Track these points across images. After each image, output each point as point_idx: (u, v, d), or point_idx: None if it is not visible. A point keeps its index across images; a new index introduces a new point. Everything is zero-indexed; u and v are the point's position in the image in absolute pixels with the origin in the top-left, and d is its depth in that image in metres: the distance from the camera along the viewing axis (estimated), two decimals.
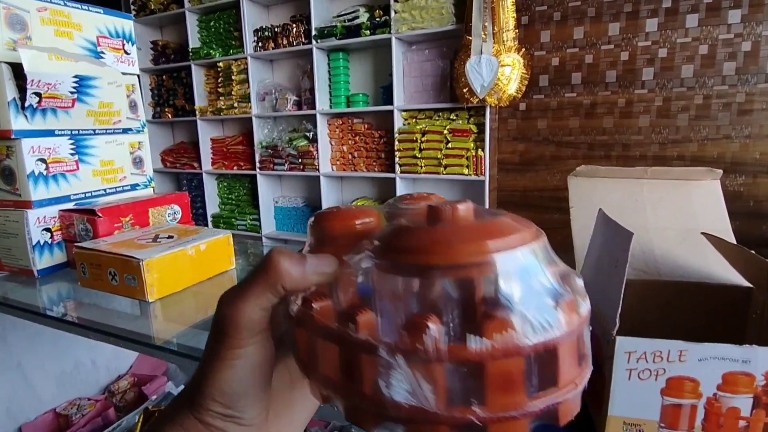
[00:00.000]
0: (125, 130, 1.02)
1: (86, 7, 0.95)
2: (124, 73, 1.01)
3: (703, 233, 0.46)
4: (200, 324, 0.71)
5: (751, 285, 0.45)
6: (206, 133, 3.27)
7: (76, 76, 0.88)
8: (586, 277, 0.47)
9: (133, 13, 3.33)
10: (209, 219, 3.34)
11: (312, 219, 0.26)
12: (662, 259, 0.49)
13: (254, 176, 3.10)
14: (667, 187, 0.53)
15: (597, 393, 0.38)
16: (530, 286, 0.19)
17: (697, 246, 0.49)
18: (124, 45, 1.03)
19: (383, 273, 0.21)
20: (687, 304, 0.47)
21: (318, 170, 2.82)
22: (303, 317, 0.23)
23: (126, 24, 1.04)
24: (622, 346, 0.35)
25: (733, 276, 0.46)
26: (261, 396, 0.25)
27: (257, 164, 3.05)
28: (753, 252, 0.41)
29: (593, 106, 2.10)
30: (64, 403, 1.19)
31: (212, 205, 3.38)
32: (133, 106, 1.04)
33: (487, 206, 2.31)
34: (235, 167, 3.20)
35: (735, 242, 0.49)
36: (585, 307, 0.21)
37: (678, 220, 0.51)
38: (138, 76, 1.07)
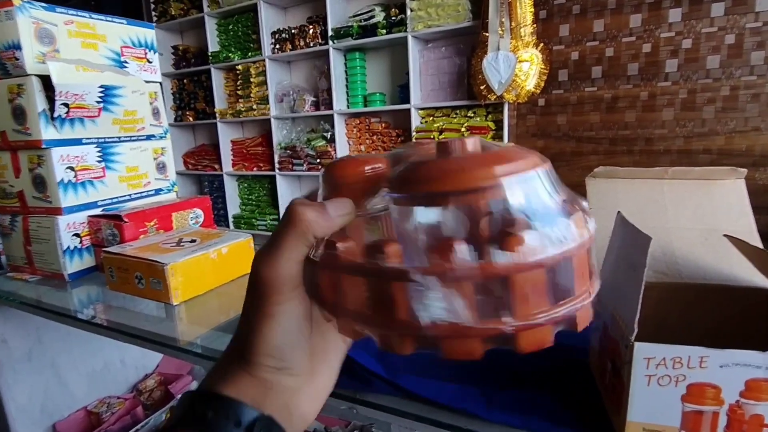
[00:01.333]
0: (149, 137, 1.05)
1: (110, 19, 0.98)
2: (146, 81, 1.03)
3: (725, 235, 0.45)
4: (223, 326, 0.72)
5: None
6: (226, 135, 3.32)
7: (101, 86, 0.91)
8: (604, 280, 0.47)
9: (155, 19, 3.40)
10: (230, 219, 3.40)
11: (324, 168, 0.27)
12: (683, 260, 0.48)
13: (274, 177, 3.14)
14: (689, 187, 0.52)
15: (615, 395, 0.38)
16: (544, 205, 0.21)
17: (720, 247, 0.48)
18: (146, 54, 1.06)
19: (403, 205, 0.22)
20: (709, 307, 0.46)
21: None
22: (328, 259, 0.24)
23: (148, 33, 1.07)
24: (640, 352, 0.35)
25: (757, 278, 0.45)
26: (305, 346, 0.26)
27: (276, 165, 3.08)
28: None
29: (615, 100, 2.06)
30: (95, 401, 1.23)
31: (233, 205, 3.44)
32: (155, 113, 1.06)
33: None
34: (254, 168, 3.24)
35: (760, 243, 0.48)
36: (592, 223, 0.23)
37: (700, 220, 0.51)
38: (161, 83, 1.10)
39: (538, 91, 2.13)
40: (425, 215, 0.21)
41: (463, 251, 0.19)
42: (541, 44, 2.09)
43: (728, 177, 0.51)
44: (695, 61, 1.90)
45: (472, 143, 0.23)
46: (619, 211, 0.45)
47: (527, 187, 0.21)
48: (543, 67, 2.08)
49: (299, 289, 0.25)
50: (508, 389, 0.45)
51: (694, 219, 0.51)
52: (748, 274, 0.46)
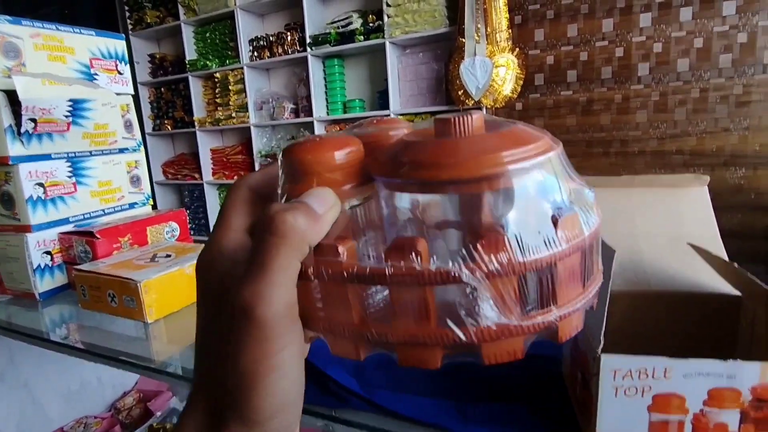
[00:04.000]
0: (121, 150, 1.03)
1: (78, 30, 0.96)
2: (118, 93, 1.02)
3: (689, 244, 0.46)
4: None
5: (740, 294, 0.45)
6: (206, 144, 3.29)
7: (70, 100, 0.89)
8: None
9: (130, 27, 3.35)
10: (212, 229, 3.35)
11: (286, 152, 0.22)
12: (651, 268, 0.49)
13: None
14: (656, 195, 0.53)
15: (586, 408, 0.39)
16: (554, 194, 0.20)
17: (686, 254, 0.49)
18: (117, 65, 1.04)
19: (425, 193, 0.20)
20: (678, 314, 0.47)
21: None
22: (327, 269, 0.20)
23: (118, 44, 1.05)
24: (607, 364, 0.35)
25: (722, 284, 0.46)
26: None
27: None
28: (736, 265, 0.41)
29: (590, 103, 2.09)
30: (71, 422, 1.20)
31: (214, 215, 3.39)
32: (128, 126, 1.04)
33: None
34: (235, 176, 3.21)
35: (722, 248, 0.49)
36: (593, 219, 0.20)
37: (667, 227, 0.52)
38: (132, 96, 1.08)
39: (515, 96, 2.16)
40: (439, 205, 0.20)
41: (508, 245, 0.18)
42: (517, 49, 2.11)
43: (692, 184, 0.52)
44: (666, 64, 1.94)
45: (477, 120, 0.20)
46: None
47: (538, 174, 0.19)
48: (519, 71, 2.11)
49: (299, 320, 0.21)
50: (484, 402, 0.45)
51: (662, 226, 0.52)
52: (713, 280, 0.47)
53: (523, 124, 0.22)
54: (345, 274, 0.20)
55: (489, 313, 0.18)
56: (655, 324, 0.48)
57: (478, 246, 0.18)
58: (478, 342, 0.19)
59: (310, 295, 0.21)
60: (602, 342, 0.35)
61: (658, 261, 0.49)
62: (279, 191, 0.22)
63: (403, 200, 0.22)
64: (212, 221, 3.35)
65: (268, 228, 0.20)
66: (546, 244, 0.18)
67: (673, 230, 0.51)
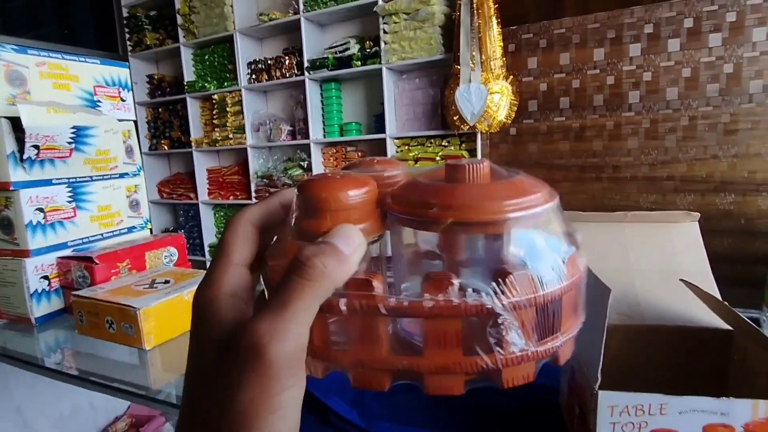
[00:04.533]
0: (122, 175, 1.04)
1: (83, 59, 0.98)
2: (120, 120, 1.03)
3: (682, 280, 0.47)
4: None
5: (731, 328, 0.46)
6: (202, 164, 3.30)
7: (73, 127, 0.90)
8: None
9: (130, 48, 3.39)
10: (206, 249, 3.35)
11: (304, 186, 0.22)
12: (645, 302, 0.50)
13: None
14: (648, 230, 0.55)
15: None
16: (552, 240, 0.22)
17: (679, 288, 0.50)
18: (120, 92, 1.06)
19: (456, 234, 0.21)
20: (671, 347, 0.48)
21: None
22: (361, 305, 0.21)
23: (122, 72, 1.07)
24: (604, 400, 0.36)
25: (714, 319, 0.48)
26: None
27: (253, 194, 3.07)
28: (725, 303, 0.42)
29: (582, 129, 2.14)
30: None
31: (209, 235, 3.39)
32: (129, 151, 1.06)
33: None
34: (231, 197, 3.22)
35: (714, 283, 0.51)
36: (582, 260, 0.23)
37: (659, 262, 0.53)
38: (135, 121, 1.09)
39: (510, 121, 2.20)
40: (459, 243, 0.22)
41: (531, 281, 0.20)
42: (511, 77, 2.16)
43: (683, 220, 0.54)
44: (656, 92, 1.99)
45: (486, 167, 0.22)
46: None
47: (539, 221, 0.21)
48: (513, 98, 2.15)
49: (304, 363, 0.20)
50: (480, 430, 0.46)
51: (654, 261, 0.53)
52: (705, 314, 0.48)
53: (524, 175, 0.24)
54: (380, 308, 0.20)
55: (516, 341, 0.20)
56: (649, 357, 0.49)
57: (507, 281, 0.20)
58: (502, 367, 0.20)
59: (329, 331, 0.22)
60: (599, 379, 0.36)
61: (651, 295, 0.51)
62: (292, 223, 0.23)
63: (426, 238, 0.23)
64: (207, 240, 3.34)
65: (297, 270, 0.20)
66: (557, 280, 0.21)
67: (666, 265, 0.53)
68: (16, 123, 0.84)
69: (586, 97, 2.12)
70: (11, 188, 0.84)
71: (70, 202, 0.93)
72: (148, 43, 3.31)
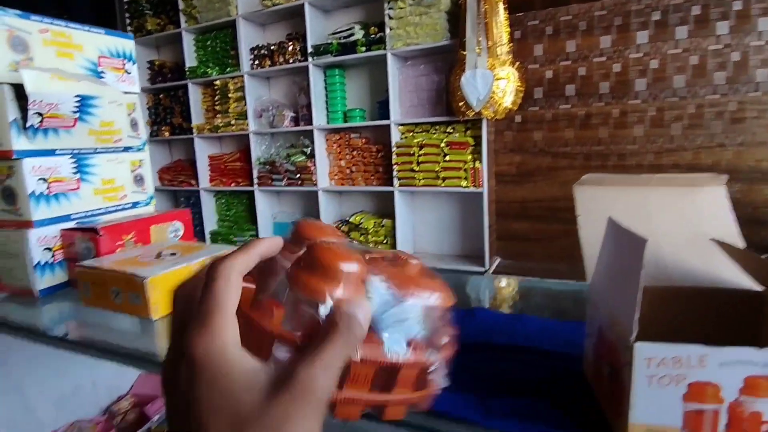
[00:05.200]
0: (126, 149, 1.02)
1: (87, 28, 0.96)
2: (124, 92, 1.01)
3: (712, 239, 0.46)
4: None
5: (762, 288, 0.45)
6: (204, 151, 3.28)
7: (77, 96, 0.88)
8: (597, 285, 0.47)
9: (131, 33, 3.35)
10: (207, 236, 3.33)
11: (318, 252, 0.27)
12: (672, 265, 0.49)
13: (252, 193, 3.10)
14: (673, 194, 0.53)
15: (615, 399, 0.38)
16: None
17: (706, 251, 0.49)
18: (124, 64, 1.04)
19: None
20: (699, 310, 0.47)
21: (316, 185, 2.82)
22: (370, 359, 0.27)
23: (127, 44, 1.05)
24: (641, 353, 0.35)
25: (744, 280, 0.46)
26: None
27: (255, 180, 3.05)
28: (763, 257, 0.41)
29: (588, 117, 2.12)
30: (64, 426, 1.17)
31: (210, 222, 3.37)
32: (133, 125, 1.04)
33: (486, 218, 2.31)
34: (232, 184, 3.20)
35: (742, 246, 0.49)
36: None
37: (685, 226, 0.52)
38: (139, 94, 1.07)
39: (515, 108, 2.18)
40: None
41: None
42: (517, 63, 2.14)
43: (710, 184, 0.53)
44: (662, 80, 1.98)
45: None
46: (610, 217, 0.46)
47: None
48: (519, 84, 2.13)
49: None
50: (506, 397, 0.44)
51: (680, 224, 0.52)
52: (734, 277, 0.47)
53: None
54: (381, 362, 0.27)
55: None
56: (677, 319, 0.47)
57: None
58: (337, 404, 0.27)
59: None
60: (636, 329, 0.35)
61: (678, 257, 0.49)
62: (288, 269, 0.27)
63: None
64: (208, 228, 3.33)
65: (339, 332, 0.24)
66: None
67: (692, 229, 0.51)
68: (18, 91, 0.82)
69: (592, 84, 2.10)
70: (14, 157, 0.82)
71: (74, 173, 0.91)
72: (149, 28, 3.27)
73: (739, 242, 0.50)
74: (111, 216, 0.99)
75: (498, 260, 2.42)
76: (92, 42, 0.97)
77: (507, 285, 0.83)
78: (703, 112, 1.93)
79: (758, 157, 1.85)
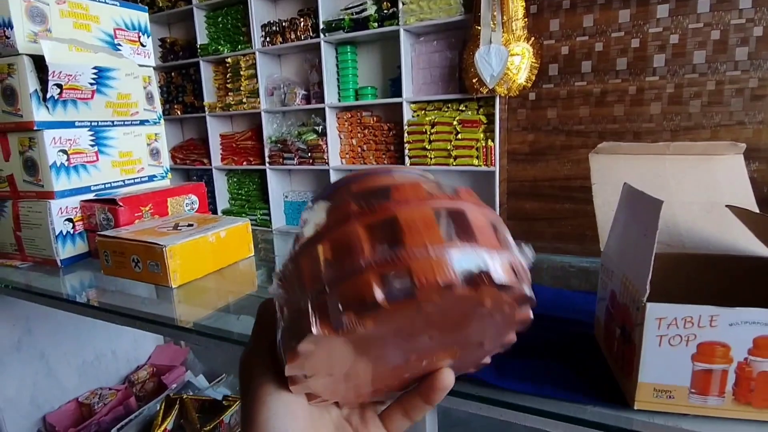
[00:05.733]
0: (142, 122, 1.03)
1: (103, 0, 0.96)
2: (140, 65, 1.02)
3: (727, 205, 0.46)
4: (222, 308, 0.72)
5: None
6: (215, 129, 3.29)
7: (95, 68, 0.89)
8: (610, 251, 0.48)
9: None
10: (219, 214, 3.37)
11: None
12: (687, 232, 0.49)
13: (264, 171, 3.12)
14: (690, 162, 0.53)
15: (625, 359, 0.39)
16: None
17: (722, 219, 0.49)
18: (140, 37, 1.04)
19: None
20: (712, 276, 0.47)
21: (327, 164, 2.82)
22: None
23: (141, 16, 1.05)
24: (652, 313, 0.35)
25: (758, 247, 0.46)
26: None
27: (267, 159, 3.06)
28: None
29: (603, 94, 2.08)
30: (86, 393, 1.21)
31: (222, 200, 3.41)
32: (149, 98, 1.05)
33: (497, 197, 2.30)
34: (244, 162, 3.21)
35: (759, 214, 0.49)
36: None
37: (701, 194, 0.52)
38: (154, 68, 1.08)
39: (529, 85, 2.15)
40: None
41: None
42: (532, 38, 2.10)
43: (728, 152, 0.52)
44: (682, 56, 1.93)
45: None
46: (625, 183, 0.46)
47: None
48: (534, 61, 2.10)
49: None
50: (518, 359, 0.45)
51: (696, 192, 0.52)
52: (749, 244, 0.47)
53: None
54: None
55: None
56: (689, 286, 0.48)
57: None
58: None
59: None
60: (647, 290, 0.35)
61: (692, 225, 0.50)
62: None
63: None
64: (220, 206, 3.36)
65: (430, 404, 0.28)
66: None
67: (708, 197, 0.51)
68: (37, 62, 0.83)
69: (609, 60, 2.06)
70: (35, 128, 0.84)
71: (92, 145, 0.93)
72: (160, 5, 3.26)
73: (756, 210, 0.49)
74: (129, 188, 1.01)
75: None
76: (108, 14, 0.97)
77: None
78: (723, 89, 1.89)
79: None
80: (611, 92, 2.07)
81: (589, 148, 2.02)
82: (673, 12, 1.92)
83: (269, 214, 3.14)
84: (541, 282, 0.73)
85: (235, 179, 3.38)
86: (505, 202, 2.39)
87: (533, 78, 2.13)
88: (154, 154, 1.07)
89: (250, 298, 0.77)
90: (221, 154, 3.32)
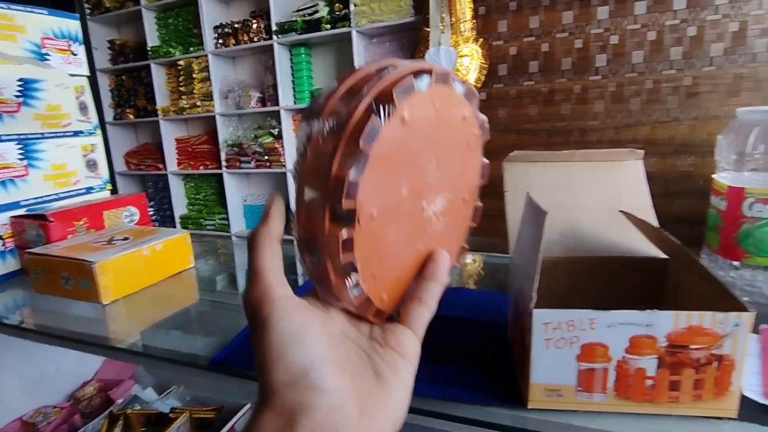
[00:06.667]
0: (76, 133, 1.00)
1: (30, 9, 0.93)
2: (72, 75, 0.99)
3: (621, 211, 0.49)
4: (159, 323, 0.71)
5: (667, 257, 0.49)
6: (170, 134, 3.21)
7: (20, 80, 0.86)
8: (514, 258, 0.50)
9: (88, 11, 3.23)
10: (177, 220, 3.29)
11: None
12: (589, 236, 0.52)
13: (221, 175, 3.07)
14: (594, 169, 0.56)
15: (522, 363, 0.41)
16: None
17: (622, 223, 0.52)
18: (70, 45, 1.01)
19: None
20: (612, 278, 0.51)
21: (285, 167, 2.80)
22: None
23: (72, 24, 1.02)
24: (539, 318, 0.37)
25: (652, 249, 0.50)
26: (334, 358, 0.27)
27: (223, 163, 3.01)
28: (662, 230, 0.44)
29: (551, 93, 2.15)
30: (30, 411, 1.17)
31: (179, 206, 3.33)
32: (83, 108, 1.02)
33: None
34: (201, 167, 3.15)
35: (654, 217, 0.53)
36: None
37: (604, 199, 0.55)
38: (88, 77, 1.05)
39: (479, 85, 2.19)
40: None
41: None
42: (481, 39, 2.15)
43: (628, 158, 0.56)
44: (622, 56, 2.01)
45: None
46: (527, 192, 0.48)
47: None
48: (483, 61, 2.15)
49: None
50: (432, 364, 0.47)
51: (600, 198, 0.55)
52: (644, 246, 0.50)
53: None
54: None
55: None
56: (591, 287, 0.51)
57: None
58: None
59: None
60: (534, 298, 0.38)
61: (595, 230, 0.53)
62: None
63: None
64: (177, 212, 3.29)
65: (429, 306, 0.31)
66: None
67: (610, 201, 0.54)
68: None
69: (555, 60, 2.12)
70: None
71: (21, 159, 0.90)
72: (107, 5, 3.15)
73: (651, 213, 0.53)
74: (64, 202, 0.98)
75: None
76: (35, 23, 0.94)
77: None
78: (660, 87, 1.98)
79: (710, 131, 1.91)
80: (558, 91, 2.14)
81: (540, 146, 2.09)
82: (612, 13, 2.00)
83: (228, 219, 3.10)
84: (474, 283, 0.76)
85: (192, 184, 3.31)
86: None
87: (483, 78, 2.18)
88: (91, 165, 1.04)
89: (189, 310, 0.77)
90: (177, 158, 3.25)
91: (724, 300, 0.37)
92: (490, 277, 0.77)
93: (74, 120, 0.99)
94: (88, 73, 1.05)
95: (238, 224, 3.12)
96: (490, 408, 0.41)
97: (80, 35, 1.03)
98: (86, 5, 3.23)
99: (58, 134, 0.97)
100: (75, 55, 1.02)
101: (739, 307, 0.36)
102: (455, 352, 0.50)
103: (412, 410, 0.42)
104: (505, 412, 0.40)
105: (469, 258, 0.84)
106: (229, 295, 0.84)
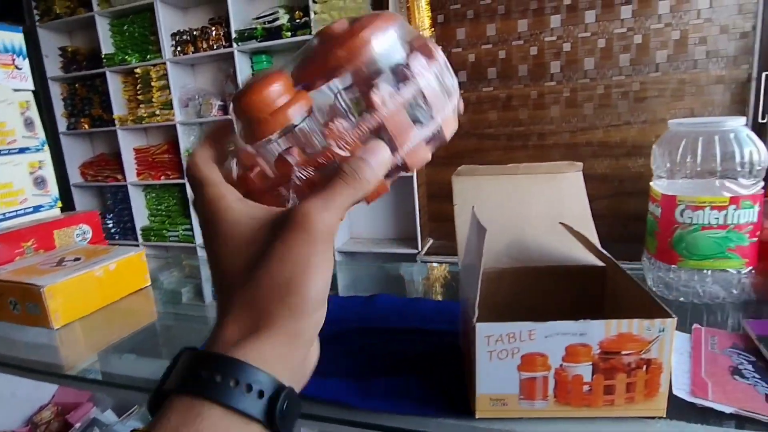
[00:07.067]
0: (22, 150, 0.97)
1: None
2: (15, 90, 0.96)
3: (561, 223, 0.52)
4: (115, 345, 0.69)
5: (604, 265, 0.51)
6: (128, 143, 3.12)
7: None
8: (463, 271, 0.52)
9: (37, 17, 3.10)
10: (139, 232, 3.20)
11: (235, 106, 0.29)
12: (533, 246, 0.54)
13: (183, 185, 3.00)
14: (539, 181, 0.59)
15: (470, 373, 0.43)
16: None
17: (564, 233, 0.55)
18: (14, 60, 0.98)
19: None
20: (556, 286, 0.53)
21: None
22: None
23: (15, 37, 0.99)
24: (481, 331, 0.39)
25: (592, 258, 0.52)
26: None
27: (185, 173, 2.94)
28: (594, 243, 0.47)
29: (509, 99, 2.21)
30: None
31: (141, 217, 3.24)
32: (29, 124, 0.99)
33: (416, 200, 2.37)
34: (162, 177, 3.08)
35: (593, 226, 0.56)
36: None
37: (548, 210, 0.57)
38: (34, 92, 1.02)
39: None
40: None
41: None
42: (440, 47, 2.19)
43: (569, 170, 0.58)
44: (575, 62, 2.09)
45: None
46: (473, 207, 0.50)
47: None
48: None
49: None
50: (384, 377, 0.48)
51: (544, 209, 0.58)
52: (585, 255, 0.53)
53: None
54: None
55: None
56: (537, 296, 0.53)
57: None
58: None
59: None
60: (476, 313, 0.39)
61: (539, 240, 0.55)
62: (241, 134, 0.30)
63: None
64: (138, 224, 3.20)
65: (343, 176, 0.27)
66: None
67: (553, 212, 0.57)
68: None
69: (511, 67, 2.19)
70: None
71: None
72: (58, 11, 3.04)
73: (590, 222, 0.56)
74: (10, 222, 0.94)
75: (430, 241, 2.50)
76: None
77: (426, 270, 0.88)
78: (611, 93, 2.07)
79: (658, 133, 2.00)
80: (516, 97, 2.20)
81: (500, 150, 2.14)
82: (564, 22, 2.08)
83: (192, 230, 3.03)
84: (434, 292, 0.78)
85: (153, 195, 3.23)
86: (425, 205, 2.47)
87: None
88: (39, 183, 1.01)
89: (149, 328, 0.76)
90: (136, 168, 3.16)
91: (651, 307, 0.39)
92: (455, 283, 0.80)
93: (19, 137, 0.96)
94: (33, 88, 1.01)
95: None
96: (440, 419, 0.42)
97: (24, 48, 1.00)
98: (36, 11, 3.11)
99: (2, 152, 0.93)
100: (19, 69, 0.98)
101: (664, 314, 0.38)
102: (410, 364, 0.51)
103: (362, 426, 0.43)
104: (452, 423, 0.42)
105: (435, 264, 0.86)
106: (194, 307, 0.83)
